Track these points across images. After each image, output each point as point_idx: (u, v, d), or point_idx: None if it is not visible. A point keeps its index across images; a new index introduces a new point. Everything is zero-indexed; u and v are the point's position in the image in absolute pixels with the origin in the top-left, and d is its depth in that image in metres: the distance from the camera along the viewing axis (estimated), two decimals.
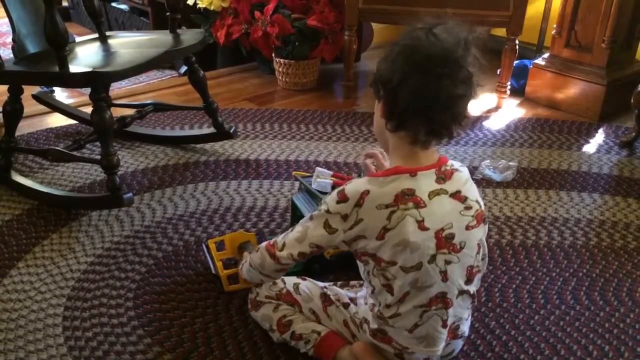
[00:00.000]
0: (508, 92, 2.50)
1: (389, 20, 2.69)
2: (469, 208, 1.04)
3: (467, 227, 1.04)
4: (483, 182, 1.91)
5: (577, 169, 2.02)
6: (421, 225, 0.99)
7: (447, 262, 1.02)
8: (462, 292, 1.06)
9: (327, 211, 1.04)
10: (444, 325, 1.06)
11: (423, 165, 1.02)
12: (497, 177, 1.93)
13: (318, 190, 1.47)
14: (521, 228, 1.68)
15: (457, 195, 1.03)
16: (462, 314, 1.10)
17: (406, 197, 0.99)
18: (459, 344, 1.16)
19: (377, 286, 1.06)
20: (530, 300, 1.40)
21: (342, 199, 1.02)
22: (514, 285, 1.45)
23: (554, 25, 2.49)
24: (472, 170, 1.98)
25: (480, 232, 1.07)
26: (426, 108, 0.96)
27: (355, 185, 1.02)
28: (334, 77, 2.79)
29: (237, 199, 1.78)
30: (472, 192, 1.06)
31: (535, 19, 2.81)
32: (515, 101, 2.57)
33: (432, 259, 1.01)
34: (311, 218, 1.07)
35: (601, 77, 2.35)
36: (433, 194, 1.01)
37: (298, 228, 1.09)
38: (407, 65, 0.95)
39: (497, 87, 2.51)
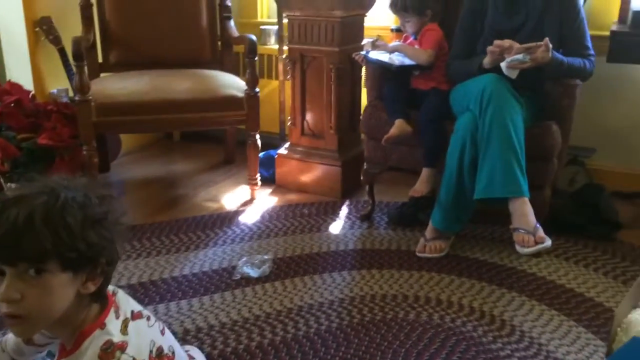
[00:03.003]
0: (259, 183, 2.61)
1: (128, 130, 2.65)
2: (148, 317, 1.07)
3: (162, 333, 1.08)
4: (242, 282, 1.91)
5: (327, 249, 2.15)
6: None
7: None
8: None
9: None
10: None
11: (101, 312, 1.00)
12: (254, 273, 1.95)
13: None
14: (281, 323, 1.70)
15: (136, 315, 1.04)
16: None
17: (109, 351, 0.93)
18: None
19: None
20: None
21: None
22: None
23: (289, 117, 2.72)
24: (231, 270, 1.97)
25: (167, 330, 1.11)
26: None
27: None
28: None
29: None
30: (133, 301, 1.09)
31: (276, 111, 3.03)
32: (268, 190, 2.69)
33: None
34: None
35: (335, 159, 2.61)
36: (124, 329, 0.99)
37: None
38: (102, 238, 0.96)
39: (248, 179, 2.60)
